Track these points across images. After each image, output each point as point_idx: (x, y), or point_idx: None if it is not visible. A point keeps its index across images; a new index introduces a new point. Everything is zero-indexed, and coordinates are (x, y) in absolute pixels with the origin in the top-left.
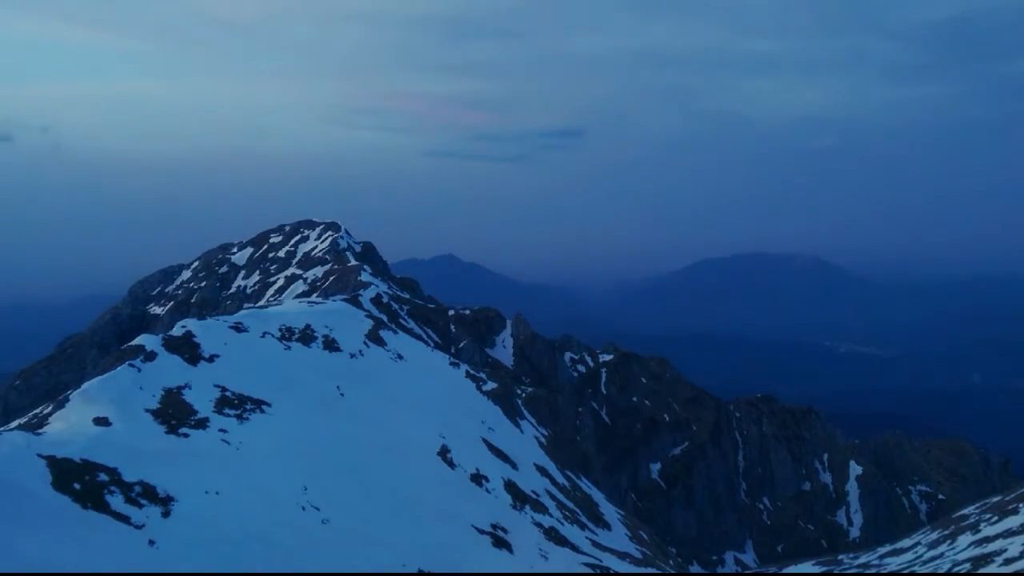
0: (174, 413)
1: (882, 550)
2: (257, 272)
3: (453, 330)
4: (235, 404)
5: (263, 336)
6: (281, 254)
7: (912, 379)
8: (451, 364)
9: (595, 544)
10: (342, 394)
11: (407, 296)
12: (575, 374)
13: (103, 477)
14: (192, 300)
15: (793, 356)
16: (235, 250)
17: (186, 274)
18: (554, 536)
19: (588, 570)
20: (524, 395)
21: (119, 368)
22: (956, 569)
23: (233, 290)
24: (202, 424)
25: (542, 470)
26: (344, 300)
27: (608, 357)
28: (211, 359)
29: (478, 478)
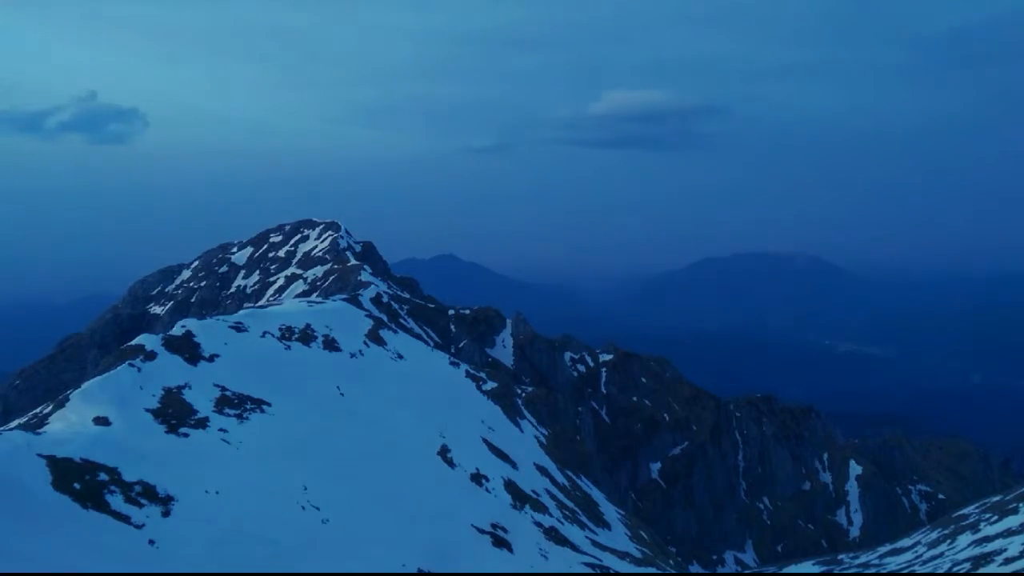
0: (174, 413)
1: (882, 550)
2: (257, 272)
3: (453, 330)
4: (235, 404)
5: (263, 336)
6: (281, 254)
7: (912, 379)
8: (451, 364)
9: (595, 544)
10: (342, 394)
11: (407, 296)
12: (575, 374)
13: (103, 477)
14: (192, 300)
15: (793, 356)
16: (235, 250)
17: (186, 274)
18: (554, 536)
19: (588, 570)
20: (524, 395)
21: (119, 368)
22: (956, 569)
23: (233, 290)
24: (202, 424)
25: (542, 470)
26: (344, 300)
27: (608, 357)
28: (211, 359)
29: (478, 478)
